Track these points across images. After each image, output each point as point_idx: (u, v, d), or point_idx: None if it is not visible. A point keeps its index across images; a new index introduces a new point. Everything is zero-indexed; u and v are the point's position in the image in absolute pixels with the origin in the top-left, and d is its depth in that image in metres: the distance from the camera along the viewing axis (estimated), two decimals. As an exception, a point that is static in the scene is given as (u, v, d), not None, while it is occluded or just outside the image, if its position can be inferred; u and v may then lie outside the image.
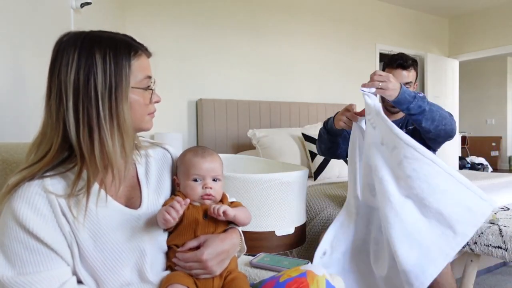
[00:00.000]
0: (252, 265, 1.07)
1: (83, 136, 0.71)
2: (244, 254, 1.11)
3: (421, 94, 1.48)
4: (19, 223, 0.69)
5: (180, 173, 0.94)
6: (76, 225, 0.73)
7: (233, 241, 0.90)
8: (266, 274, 1.01)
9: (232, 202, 0.99)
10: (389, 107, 1.81)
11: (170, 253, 0.89)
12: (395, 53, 1.83)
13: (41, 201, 0.71)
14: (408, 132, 1.75)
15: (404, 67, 1.76)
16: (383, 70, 1.82)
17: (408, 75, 1.76)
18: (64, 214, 0.73)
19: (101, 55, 0.72)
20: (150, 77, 0.81)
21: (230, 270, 0.90)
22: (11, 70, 1.28)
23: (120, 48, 0.75)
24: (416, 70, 1.80)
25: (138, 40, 0.82)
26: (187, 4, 3.45)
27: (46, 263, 0.70)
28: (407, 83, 1.75)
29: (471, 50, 5.50)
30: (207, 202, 0.92)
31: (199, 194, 0.91)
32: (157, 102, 0.84)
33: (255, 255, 1.14)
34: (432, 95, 5.27)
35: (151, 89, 0.81)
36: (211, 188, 0.91)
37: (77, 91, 0.70)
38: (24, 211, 0.69)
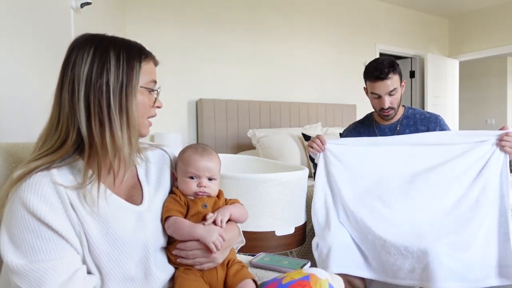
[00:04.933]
0: (252, 265, 1.07)
1: (95, 125, 0.75)
2: (244, 254, 1.11)
3: None
4: (29, 211, 0.69)
5: (178, 168, 0.98)
6: (84, 215, 0.75)
7: (233, 232, 0.95)
8: (266, 274, 1.02)
9: (229, 200, 1.02)
10: (382, 116, 1.79)
11: (171, 248, 0.91)
12: (369, 63, 1.73)
13: (49, 192, 0.72)
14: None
15: (382, 78, 1.66)
16: (365, 83, 1.77)
17: (390, 83, 1.67)
18: (72, 206, 0.74)
19: (115, 53, 0.77)
20: (155, 82, 0.86)
21: (230, 259, 0.94)
22: (11, 69, 1.28)
23: (133, 50, 0.81)
24: (396, 72, 1.69)
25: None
26: (187, 4, 3.45)
27: (58, 251, 0.71)
28: (392, 90, 1.68)
29: (471, 50, 5.50)
30: (202, 196, 0.95)
31: (193, 191, 0.94)
32: (158, 107, 0.88)
33: (255, 255, 1.14)
34: (432, 95, 5.27)
35: (157, 91, 0.87)
36: (205, 187, 0.95)
37: (89, 83, 0.75)
38: (33, 201, 0.70)
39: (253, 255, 1.14)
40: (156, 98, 0.87)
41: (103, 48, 0.77)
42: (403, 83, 1.77)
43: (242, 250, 1.11)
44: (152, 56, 0.86)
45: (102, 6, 2.42)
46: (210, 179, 0.96)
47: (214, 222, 0.90)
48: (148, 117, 0.87)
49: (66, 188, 0.74)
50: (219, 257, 0.89)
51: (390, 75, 1.66)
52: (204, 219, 0.92)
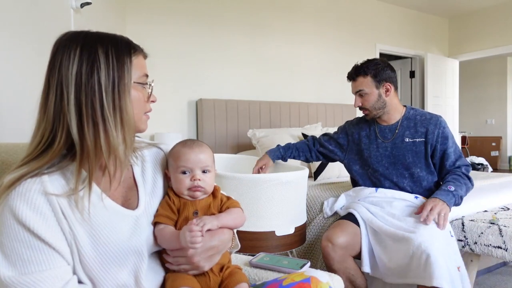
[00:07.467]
0: (252, 265, 1.06)
1: (87, 127, 0.72)
2: (244, 254, 1.11)
3: (452, 189, 1.59)
4: (19, 221, 0.68)
5: (169, 166, 0.92)
6: (75, 224, 0.73)
7: (223, 237, 0.88)
8: (265, 274, 1.01)
9: (228, 199, 0.96)
10: (379, 119, 1.82)
11: (164, 252, 0.88)
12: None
13: (40, 200, 0.70)
14: (408, 145, 1.74)
15: (350, 79, 1.83)
16: None
17: (357, 84, 1.78)
18: (63, 214, 0.72)
19: (104, 50, 0.74)
20: (147, 76, 0.83)
21: (223, 264, 0.89)
22: (11, 70, 1.28)
23: (121, 45, 0.77)
24: (368, 75, 1.74)
25: (137, 40, 0.85)
26: (187, 4, 3.45)
27: (48, 262, 0.69)
28: (360, 91, 1.77)
29: (471, 50, 5.50)
30: (197, 194, 0.89)
31: (187, 187, 0.88)
32: (153, 101, 0.86)
33: (255, 255, 1.14)
34: (432, 95, 5.27)
35: (150, 84, 0.83)
36: (199, 180, 0.88)
37: (79, 84, 0.71)
38: (24, 210, 0.68)
39: (253, 255, 1.14)
40: (150, 92, 0.84)
41: (90, 45, 0.73)
42: (384, 87, 1.75)
43: (242, 250, 1.10)
44: (141, 49, 0.83)
45: (102, 6, 2.41)
46: (204, 171, 0.89)
47: None
48: (145, 113, 0.84)
49: (58, 196, 0.71)
50: (205, 265, 0.84)
51: (358, 78, 1.78)
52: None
